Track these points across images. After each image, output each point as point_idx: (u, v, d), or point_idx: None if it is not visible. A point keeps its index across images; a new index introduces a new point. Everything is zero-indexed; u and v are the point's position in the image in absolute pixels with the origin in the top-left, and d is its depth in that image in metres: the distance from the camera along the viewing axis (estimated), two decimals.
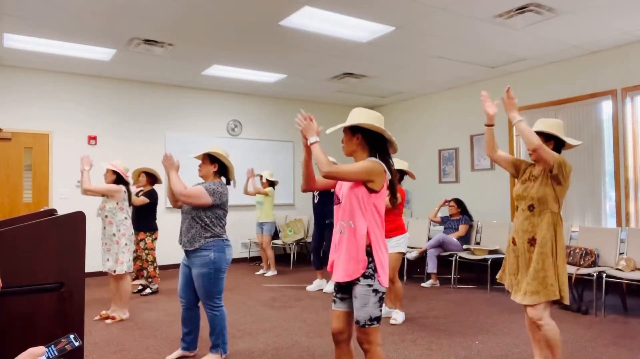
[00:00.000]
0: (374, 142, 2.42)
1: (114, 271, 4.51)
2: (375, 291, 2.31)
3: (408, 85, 7.84)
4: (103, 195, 4.59)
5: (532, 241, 2.88)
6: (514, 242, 3.01)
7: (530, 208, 2.90)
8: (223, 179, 3.50)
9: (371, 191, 2.33)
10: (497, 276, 3.17)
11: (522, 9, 4.66)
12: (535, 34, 5.37)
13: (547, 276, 2.79)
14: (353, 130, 2.42)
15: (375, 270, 2.31)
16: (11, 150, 6.57)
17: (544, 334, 2.85)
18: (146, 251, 5.75)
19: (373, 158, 2.38)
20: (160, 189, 6.01)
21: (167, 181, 3.39)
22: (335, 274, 2.42)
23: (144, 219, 5.70)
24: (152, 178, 5.85)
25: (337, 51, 6.00)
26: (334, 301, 2.47)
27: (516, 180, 3.09)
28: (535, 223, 2.88)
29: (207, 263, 3.28)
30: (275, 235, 7.81)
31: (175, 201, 3.44)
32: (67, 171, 6.86)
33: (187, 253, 3.37)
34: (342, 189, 2.44)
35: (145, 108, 7.56)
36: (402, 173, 4.51)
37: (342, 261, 2.37)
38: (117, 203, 4.55)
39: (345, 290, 2.42)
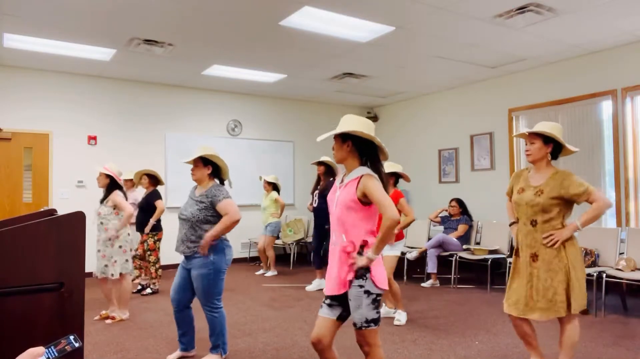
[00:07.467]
0: (365, 149, 2.41)
1: (112, 275, 4.46)
2: (368, 292, 2.29)
3: (408, 85, 7.84)
4: (115, 207, 4.53)
5: (533, 257, 2.79)
6: (517, 254, 2.91)
7: (533, 223, 2.80)
8: (216, 181, 3.46)
9: (365, 204, 2.34)
10: (505, 310, 2.99)
11: (522, 9, 4.66)
12: (535, 34, 5.37)
13: (557, 293, 2.72)
14: (344, 138, 2.41)
15: (367, 270, 2.30)
16: (11, 150, 6.57)
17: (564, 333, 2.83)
18: (149, 252, 5.75)
19: (368, 170, 2.36)
20: (162, 189, 6.00)
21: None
22: (326, 286, 2.44)
23: (147, 220, 5.67)
24: (154, 179, 5.85)
25: (337, 51, 6.00)
26: (321, 306, 2.45)
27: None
28: (537, 239, 2.79)
29: (207, 264, 3.26)
30: None
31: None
32: (67, 171, 6.86)
33: (187, 256, 3.35)
34: (335, 199, 2.44)
35: (145, 108, 7.56)
36: (397, 176, 4.52)
37: (333, 276, 2.38)
38: (113, 208, 4.53)
39: (334, 297, 2.40)
